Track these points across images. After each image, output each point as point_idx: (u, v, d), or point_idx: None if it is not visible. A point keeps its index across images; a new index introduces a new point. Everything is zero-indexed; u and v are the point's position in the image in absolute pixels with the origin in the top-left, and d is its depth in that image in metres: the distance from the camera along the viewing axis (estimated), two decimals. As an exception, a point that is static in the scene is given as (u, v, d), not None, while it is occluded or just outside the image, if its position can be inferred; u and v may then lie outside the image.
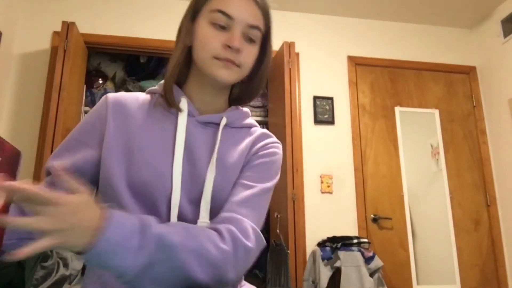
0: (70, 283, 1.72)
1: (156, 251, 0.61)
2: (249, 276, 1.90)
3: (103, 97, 0.88)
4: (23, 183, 0.50)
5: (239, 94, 0.94)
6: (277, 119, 3.01)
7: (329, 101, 3.22)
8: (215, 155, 0.82)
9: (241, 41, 0.81)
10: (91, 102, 3.33)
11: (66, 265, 1.68)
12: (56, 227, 0.51)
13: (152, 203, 0.77)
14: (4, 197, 0.48)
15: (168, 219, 0.77)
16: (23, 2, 2.96)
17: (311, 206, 2.97)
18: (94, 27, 3.02)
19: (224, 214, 0.76)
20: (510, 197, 3.13)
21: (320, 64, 3.31)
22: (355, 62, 3.37)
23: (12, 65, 2.85)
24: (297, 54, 3.23)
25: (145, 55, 3.46)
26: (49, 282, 1.60)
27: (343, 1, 3.29)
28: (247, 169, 0.85)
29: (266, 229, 2.90)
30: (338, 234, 2.83)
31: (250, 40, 0.83)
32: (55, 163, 0.81)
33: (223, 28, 0.81)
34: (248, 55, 0.84)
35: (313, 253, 2.73)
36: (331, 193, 3.03)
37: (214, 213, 0.79)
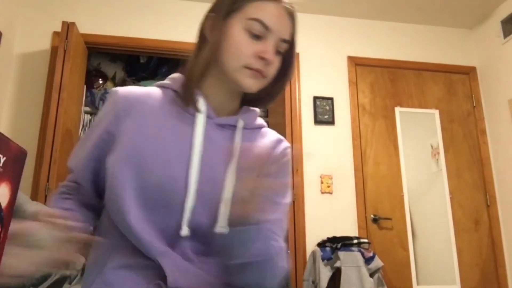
0: (70, 283, 1.72)
1: None
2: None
3: (113, 93, 0.84)
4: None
5: (253, 98, 0.91)
6: (277, 119, 3.02)
7: (329, 101, 3.22)
8: (235, 160, 0.80)
9: (274, 53, 0.81)
10: (91, 102, 3.33)
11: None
12: None
13: (163, 207, 0.75)
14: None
15: (179, 224, 0.75)
16: (23, 2, 2.96)
17: (311, 206, 2.97)
18: (94, 27, 3.02)
19: None
20: (510, 197, 3.13)
21: (320, 64, 3.31)
22: (355, 62, 3.37)
23: (12, 65, 2.85)
24: (297, 54, 3.23)
25: (145, 55, 3.47)
26: (49, 281, 1.60)
27: (343, 1, 3.29)
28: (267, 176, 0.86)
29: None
30: (338, 234, 2.83)
31: (278, 52, 0.83)
32: (74, 164, 0.86)
33: (256, 37, 0.79)
34: (275, 67, 0.83)
35: (313, 253, 2.73)
36: (331, 193, 3.03)
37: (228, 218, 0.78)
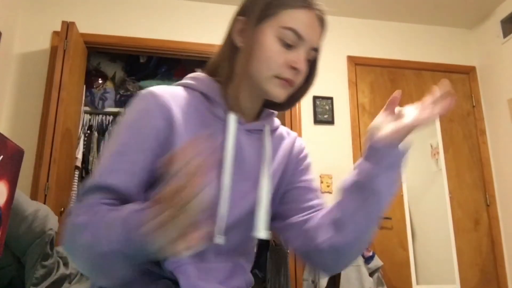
0: (70, 282, 1.72)
1: None
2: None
3: (150, 94, 0.76)
4: None
5: (274, 102, 0.87)
6: (277, 118, 3.01)
7: (329, 101, 3.22)
8: (271, 166, 0.82)
9: (304, 62, 0.80)
10: (91, 102, 3.33)
11: (66, 264, 1.68)
12: None
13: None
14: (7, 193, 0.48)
15: (212, 234, 0.72)
16: (23, 2, 2.96)
17: (311, 206, 2.97)
18: (94, 27, 3.02)
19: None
20: (510, 197, 3.13)
21: (320, 64, 3.30)
22: (355, 62, 3.37)
23: (12, 65, 2.85)
24: (297, 54, 3.23)
25: (145, 55, 3.47)
26: (49, 281, 1.60)
27: (343, 1, 3.29)
28: (300, 173, 0.89)
29: (266, 229, 2.90)
30: (338, 234, 2.83)
31: (307, 60, 0.82)
32: (116, 180, 0.69)
33: (288, 46, 0.78)
34: (304, 75, 0.82)
35: (313, 253, 2.72)
36: (331, 193, 3.03)
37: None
